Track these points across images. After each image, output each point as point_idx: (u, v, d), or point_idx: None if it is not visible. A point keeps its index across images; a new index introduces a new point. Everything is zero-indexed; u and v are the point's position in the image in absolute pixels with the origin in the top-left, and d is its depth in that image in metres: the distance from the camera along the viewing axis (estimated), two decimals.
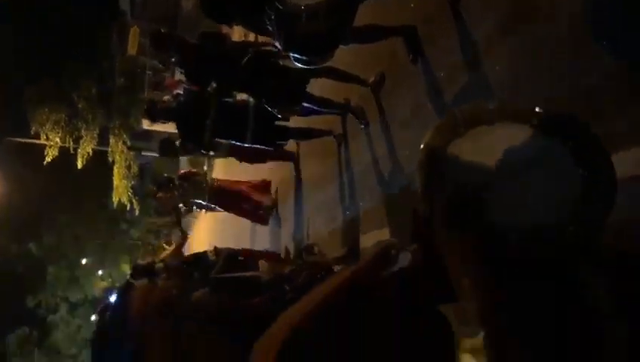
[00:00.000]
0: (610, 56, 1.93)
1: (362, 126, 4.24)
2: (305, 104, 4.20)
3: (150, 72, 21.12)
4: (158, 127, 6.54)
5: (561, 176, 0.92)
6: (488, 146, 0.95)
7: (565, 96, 2.13)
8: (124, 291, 2.40)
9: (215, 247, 4.10)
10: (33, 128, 19.97)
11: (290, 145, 5.74)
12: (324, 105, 4.38)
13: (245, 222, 7.56)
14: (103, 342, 1.64)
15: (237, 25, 3.81)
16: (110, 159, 21.12)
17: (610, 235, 1.03)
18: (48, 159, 20.06)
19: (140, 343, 1.48)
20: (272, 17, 2.79)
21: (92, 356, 1.63)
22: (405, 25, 3.47)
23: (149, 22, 19.49)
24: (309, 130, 5.16)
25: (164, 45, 4.17)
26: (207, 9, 3.25)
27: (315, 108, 4.34)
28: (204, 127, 4.68)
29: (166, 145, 6.45)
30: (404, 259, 1.13)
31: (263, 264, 4.09)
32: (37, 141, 20.16)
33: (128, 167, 21.29)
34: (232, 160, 6.70)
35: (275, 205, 7.10)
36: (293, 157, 6.19)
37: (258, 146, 5.08)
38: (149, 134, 20.04)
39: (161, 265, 3.94)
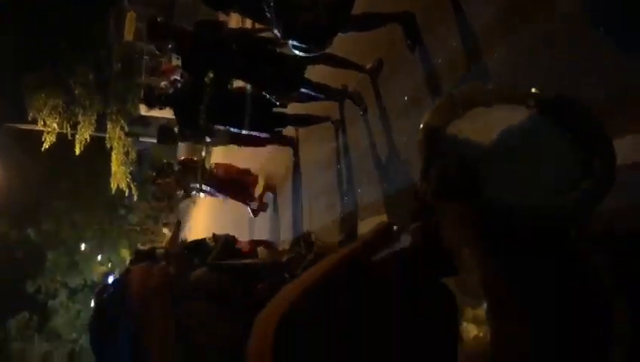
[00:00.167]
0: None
1: (361, 112, 4.24)
2: (302, 90, 4.20)
3: (147, 57, 20.97)
4: (156, 112, 6.50)
5: (557, 156, 0.94)
6: (486, 127, 0.97)
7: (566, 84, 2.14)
8: (124, 274, 2.41)
9: (214, 234, 4.12)
10: (30, 114, 19.90)
11: (290, 130, 5.73)
12: (322, 91, 4.36)
13: (244, 208, 7.62)
14: (101, 321, 1.63)
15: (234, 12, 3.79)
16: (108, 145, 21.08)
17: (608, 216, 1.06)
18: (46, 145, 20.01)
19: (138, 325, 1.48)
20: (271, 5, 2.78)
21: (90, 338, 1.63)
22: (404, 12, 3.46)
23: (146, 7, 19.35)
24: (307, 116, 5.15)
25: (160, 34, 4.15)
26: None
27: (312, 94, 4.33)
28: (201, 113, 4.69)
29: (165, 131, 6.45)
30: (405, 240, 1.14)
31: (261, 251, 4.12)
32: (35, 127, 20.09)
33: (126, 153, 21.25)
34: (231, 146, 6.70)
35: (262, 209, 7.36)
36: (292, 143, 6.19)
37: (256, 133, 5.08)
38: (146, 120, 19.97)
39: (161, 251, 3.96)
